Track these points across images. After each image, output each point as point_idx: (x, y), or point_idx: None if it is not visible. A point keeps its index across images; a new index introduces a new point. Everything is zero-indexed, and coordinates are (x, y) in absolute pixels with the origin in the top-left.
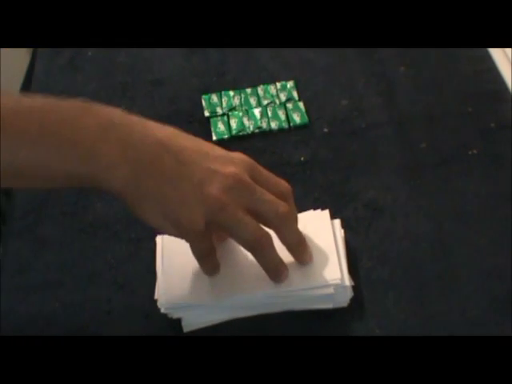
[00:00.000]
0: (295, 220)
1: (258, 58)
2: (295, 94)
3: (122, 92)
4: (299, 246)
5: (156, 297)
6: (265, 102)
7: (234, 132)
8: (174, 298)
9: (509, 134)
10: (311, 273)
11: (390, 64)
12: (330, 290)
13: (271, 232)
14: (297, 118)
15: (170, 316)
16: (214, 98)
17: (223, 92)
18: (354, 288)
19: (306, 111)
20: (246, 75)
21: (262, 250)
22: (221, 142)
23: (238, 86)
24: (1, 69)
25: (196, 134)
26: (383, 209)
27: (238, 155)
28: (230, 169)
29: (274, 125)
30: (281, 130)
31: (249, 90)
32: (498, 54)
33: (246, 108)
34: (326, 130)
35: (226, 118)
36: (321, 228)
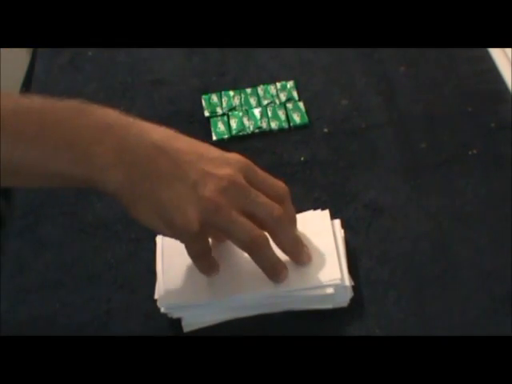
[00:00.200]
0: (291, 222)
1: (257, 58)
2: (295, 94)
3: (122, 92)
4: (295, 247)
5: (156, 297)
6: (265, 102)
7: (234, 132)
8: (174, 298)
9: (509, 134)
10: (311, 273)
11: (390, 64)
12: (330, 290)
13: None
14: (297, 118)
15: (170, 316)
16: (214, 97)
17: (223, 92)
18: (354, 288)
19: (306, 111)
20: (246, 75)
21: (258, 251)
22: (221, 142)
23: (238, 86)
24: (1, 69)
25: (196, 133)
26: (383, 209)
27: (233, 156)
28: (225, 170)
29: (274, 125)
30: (281, 130)
31: (249, 90)
32: (498, 54)
33: (246, 108)
34: (325, 130)
35: (226, 117)
36: (321, 228)
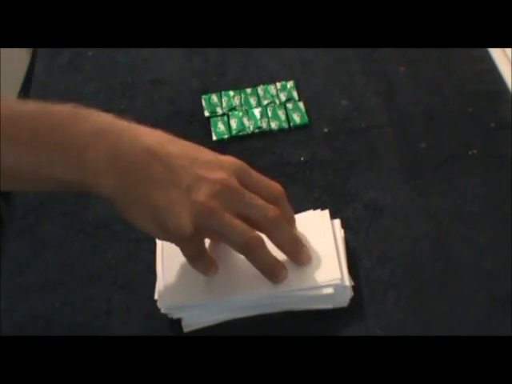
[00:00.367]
0: (288, 222)
1: (257, 58)
2: (295, 94)
3: (122, 92)
4: (293, 247)
5: (156, 297)
6: (265, 102)
7: (233, 132)
8: (174, 298)
9: (509, 134)
10: (311, 273)
11: (390, 64)
12: (330, 290)
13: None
14: (297, 118)
15: (170, 316)
16: (214, 97)
17: (223, 92)
18: (354, 288)
19: (306, 111)
20: (246, 75)
21: (253, 252)
22: (221, 142)
23: (238, 86)
24: (1, 69)
25: (196, 134)
26: (383, 209)
27: (227, 159)
28: (218, 174)
29: (274, 125)
30: (281, 130)
31: (249, 90)
32: (498, 54)
33: (246, 108)
34: (326, 130)
35: (226, 118)
36: (321, 228)
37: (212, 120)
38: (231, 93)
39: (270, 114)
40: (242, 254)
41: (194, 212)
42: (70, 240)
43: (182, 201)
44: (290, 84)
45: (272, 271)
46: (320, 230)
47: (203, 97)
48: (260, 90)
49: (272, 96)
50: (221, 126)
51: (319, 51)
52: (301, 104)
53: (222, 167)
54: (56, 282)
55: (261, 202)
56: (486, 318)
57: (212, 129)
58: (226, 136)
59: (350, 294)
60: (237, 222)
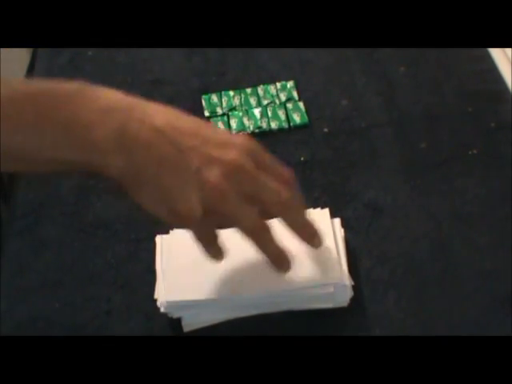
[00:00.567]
0: (301, 206)
1: (257, 58)
2: (295, 94)
3: (122, 92)
4: (308, 229)
5: (156, 296)
6: (265, 102)
7: (234, 132)
8: (174, 298)
9: (509, 134)
10: (311, 271)
11: (390, 64)
12: (330, 289)
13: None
14: (297, 118)
15: (170, 316)
16: (214, 97)
17: (223, 92)
18: (354, 288)
19: (306, 111)
20: (246, 75)
21: (262, 237)
22: None
23: (238, 86)
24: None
25: None
26: (383, 209)
27: (241, 139)
28: (231, 155)
29: (273, 125)
30: (281, 130)
31: (249, 90)
32: (498, 54)
33: (246, 108)
34: (326, 130)
35: (226, 117)
36: (320, 227)
37: (212, 120)
38: (231, 93)
39: (269, 113)
40: (250, 238)
41: (205, 194)
42: (70, 240)
43: (192, 183)
44: (289, 84)
45: (279, 258)
46: (320, 229)
47: (203, 97)
48: (260, 89)
49: (272, 96)
50: (221, 126)
51: (319, 51)
52: (301, 104)
53: (234, 147)
54: (56, 282)
55: (274, 184)
56: (486, 318)
57: None
58: None
59: (349, 293)
60: (248, 206)
